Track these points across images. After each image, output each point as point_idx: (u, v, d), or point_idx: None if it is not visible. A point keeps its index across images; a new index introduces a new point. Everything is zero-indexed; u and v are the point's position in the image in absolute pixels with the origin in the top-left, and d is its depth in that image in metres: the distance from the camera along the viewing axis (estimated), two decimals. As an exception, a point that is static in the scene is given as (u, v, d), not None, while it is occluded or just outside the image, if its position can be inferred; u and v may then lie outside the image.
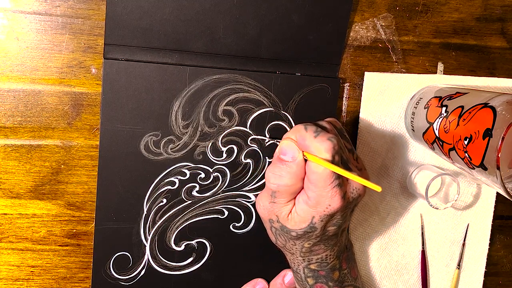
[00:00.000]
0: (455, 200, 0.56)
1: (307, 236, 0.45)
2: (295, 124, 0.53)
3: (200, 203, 0.53)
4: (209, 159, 0.52)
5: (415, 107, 0.54)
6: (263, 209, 0.47)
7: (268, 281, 0.56)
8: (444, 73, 0.57)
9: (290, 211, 0.45)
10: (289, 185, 0.44)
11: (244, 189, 0.54)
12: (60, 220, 0.52)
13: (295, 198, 0.45)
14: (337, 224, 0.46)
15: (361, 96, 0.55)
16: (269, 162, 0.53)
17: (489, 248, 0.62)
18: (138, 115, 0.50)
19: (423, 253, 0.60)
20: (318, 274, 0.48)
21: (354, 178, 0.42)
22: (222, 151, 0.52)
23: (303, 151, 0.44)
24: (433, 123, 0.49)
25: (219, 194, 0.53)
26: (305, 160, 0.44)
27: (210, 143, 0.52)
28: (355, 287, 0.51)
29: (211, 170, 0.52)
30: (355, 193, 0.46)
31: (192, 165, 0.52)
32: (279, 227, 0.46)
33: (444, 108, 0.48)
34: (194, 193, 0.53)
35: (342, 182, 0.44)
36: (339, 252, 0.49)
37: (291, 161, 0.44)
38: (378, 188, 0.41)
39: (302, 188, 0.45)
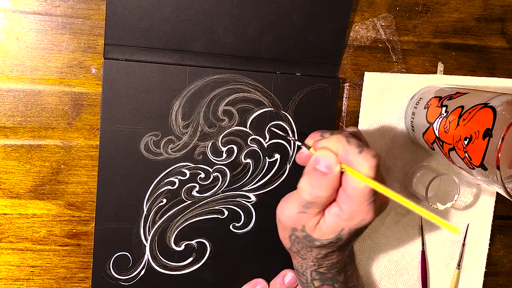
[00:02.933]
0: (455, 200, 0.56)
1: (330, 245, 0.45)
2: (295, 124, 0.53)
3: (200, 203, 0.53)
4: (209, 159, 0.52)
5: (415, 107, 0.54)
6: (288, 218, 0.45)
7: (268, 281, 0.56)
8: (444, 73, 0.57)
9: (318, 222, 0.44)
10: (326, 196, 0.43)
11: (244, 189, 0.54)
12: (60, 220, 0.52)
13: (324, 209, 0.45)
14: (359, 234, 0.45)
15: (361, 96, 0.55)
16: (269, 162, 0.53)
17: (489, 248, 0.62)
18: (138, 115, 0.50)
19: (423, 253, 0.60)
20: (325, 277, 0.48)
21: (426, 214, 0.41)
22: (222, 151, 0.52)
23: (341, 164, 0.43)
24: (433, 123, 0.49)
25: (219, 194, 0.53)
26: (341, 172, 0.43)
27: (210, 143, 0.52)
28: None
29: (211, 170, 0.52)
30: (383, 207, 0.45)
31: (192, 165, 0.52)
32: (303, 236, 0.45)
33: (444, 108, 0.48)
34: (194, 193, 0.53)
35: (377, 198, 0.43)
36: (348, 256, 0.49)
37: (329, 173, 0.43)
38: (456, 231, 0.41)
39: (334, 199, 0.44)
